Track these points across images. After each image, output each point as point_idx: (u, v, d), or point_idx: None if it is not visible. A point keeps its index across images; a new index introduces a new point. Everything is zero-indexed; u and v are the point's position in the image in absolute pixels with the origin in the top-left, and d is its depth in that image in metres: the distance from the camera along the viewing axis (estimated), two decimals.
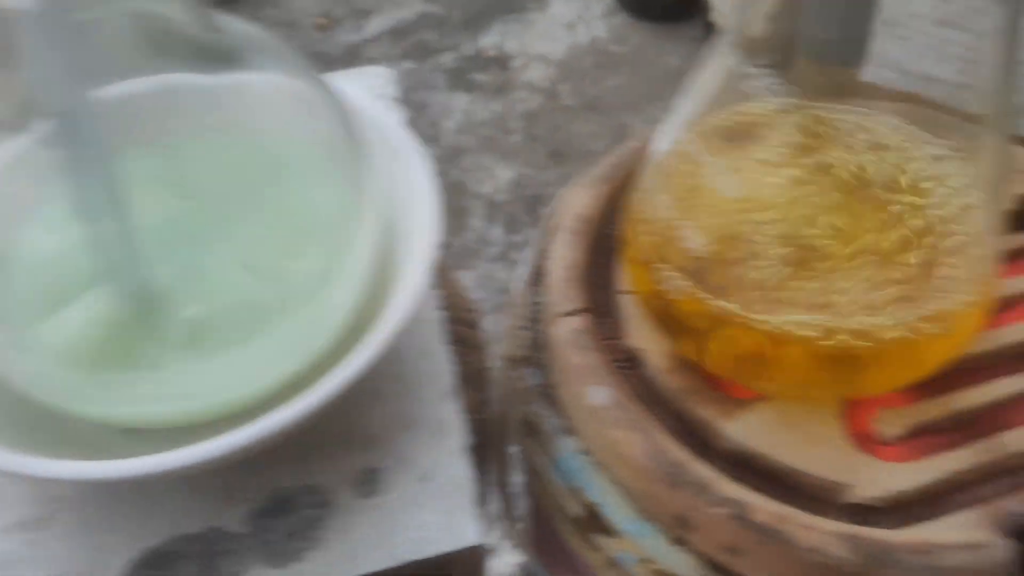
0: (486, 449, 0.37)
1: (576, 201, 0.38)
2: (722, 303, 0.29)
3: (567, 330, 0.34)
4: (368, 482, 0.30)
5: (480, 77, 1.26)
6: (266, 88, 0.28)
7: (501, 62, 1.29)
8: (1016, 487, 0.29)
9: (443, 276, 0.42)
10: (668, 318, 0.31)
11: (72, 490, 0.31)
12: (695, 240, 0.29)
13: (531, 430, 0.36)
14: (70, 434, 0.31)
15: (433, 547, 0.29)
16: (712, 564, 0.30)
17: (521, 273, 0.43)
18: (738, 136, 0.31)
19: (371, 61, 1.31)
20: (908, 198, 0.30)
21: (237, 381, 0.29)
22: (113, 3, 0.24)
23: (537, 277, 0.40)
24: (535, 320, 0.38)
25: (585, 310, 0.35)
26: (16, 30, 0.24)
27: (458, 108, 1.21)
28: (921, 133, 0.31)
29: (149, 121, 0.27)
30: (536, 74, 1.27)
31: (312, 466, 0.31)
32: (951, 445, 0.30)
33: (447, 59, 1.30)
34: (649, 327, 0.33)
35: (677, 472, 0.29)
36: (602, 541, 0.33)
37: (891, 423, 0.30)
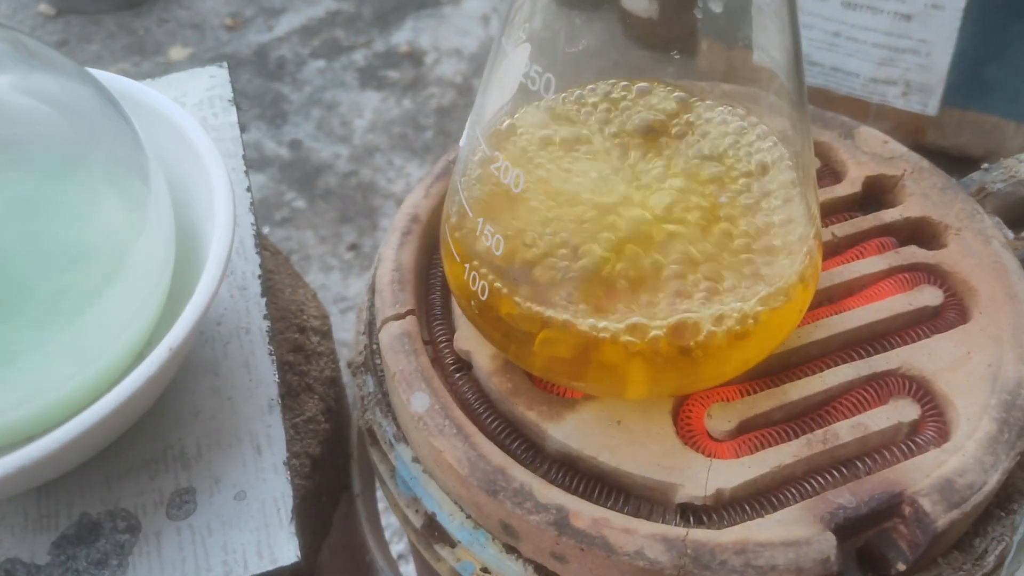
0: (336, 460, 0.36)
1: (409, 201, 0.37)
2: (533, 305, 0.28)
3: (392, 334, 0.33)
4: (180, 504, 0.29)
5: (392, 74, 1.24)
6: (11, 93, 0.26)
7: (414, 58, 1.27)
8: (843, 479, 0.28)
9: (292, 283, 0.40)
10: (487, 321, 0.30)
11: None
12: (502, 241, 0.28)
13: (373, 439, 0.35)
14: None
15: (244, 569, 0.27)
16: (543, 571, 0.29)
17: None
18: (542, 130, 0.30)
19: (281, 60, 1.28)
20: (726, 186, 0.29)
21: (16, 398, 0.27)
22: None
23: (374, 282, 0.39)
24: (372, 325, 0.37)
25: (412, 312, 0.33)
26: None
27: (369, 106, 1.19)
28: (745, 117, 0.31)
29: None
30: (449, 69, 1.25)
31: (123, 490, 0.29)
32: (780, 439, 0.29)
33: (358, 57, 1.28)
34: (474, 329, 0.32)
35: (497, 479, 0.28)
36: (444, 551, 0.32)
37: (722, 418, 0.29)
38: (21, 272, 0.26)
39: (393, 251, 0.35)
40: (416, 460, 0.32)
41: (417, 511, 0.33)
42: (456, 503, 0.30)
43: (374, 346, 0.35)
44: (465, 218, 0.29)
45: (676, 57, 0.29)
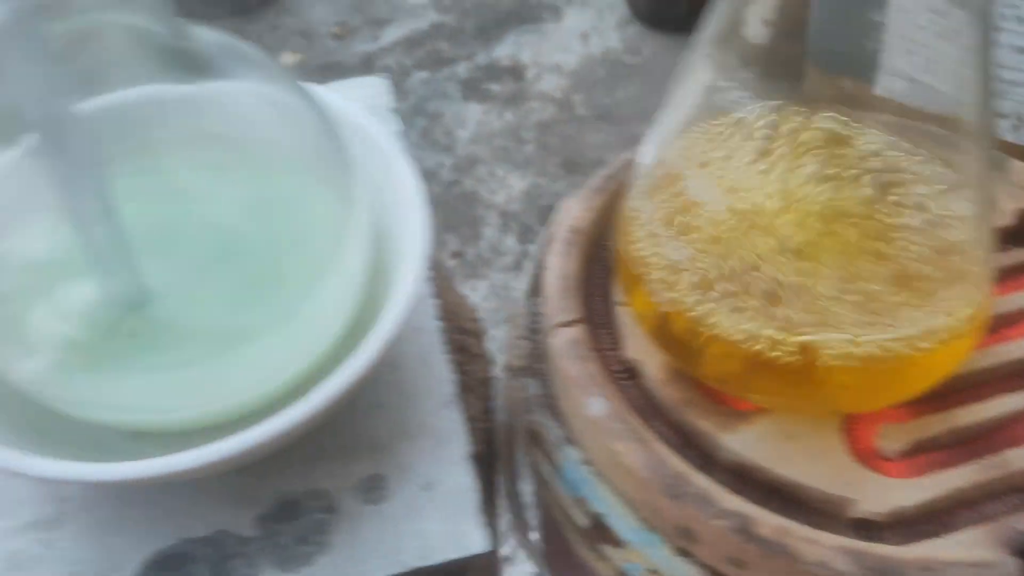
0: (493, 458, 0.37)
1: (570, 212, 0.39)
2: (711, 319, 0.29)
3: (563, 340, 0.34)
4: (373, 489, 0.31)
5: (494, 87, 1.26)
6: (246, 96, 0.28)
7: (515, 72, 1.30)
8: (1021, 505, 0.29)
9: (445, 286, 0.42)
10: (661, 331, 0.31)
11: (82, 491, 0.31)
12: (682, 254, 0.29)
13: (535, 440, 0.36)
14: (78, 435, 0.31)
15: (439, 555, 0.29)
16: (716, 575, 0.30)
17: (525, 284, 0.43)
18: (722, 147, 0.32)
19: (386, 70, 1.32)
20: (899, 212, 0.30)
21: (232, 389, 0.29)
22: (83, 15, 0.24)
23: (535, 288, 0.40)
24: (534, 330, 0.38)
25: (580, 320, 0.35)
26: None
27: (472, 118, 1.22)
28: (913, 147, 0.32)
29: (133, 131, 0.27)
30: (549, 84, 1.27)
31: (318, 472, 0.31)
32: (954, 462, 0.30)
33: (461, 69, 1.30)
34: (644, 339, 0.33)
35: (678, 484, 0.29)
36: (609, 551, 0.33)
37: (893, 439, 0.30)
38: (255, 262, 0.28)
39: (559, 260, 0.36)
40: (586, 462, 0.33)
41: (583, 512, 0.34)
42: (629, 505, 0.32)
43: (539, 350, 0.37)
44: (647, 232, 0.31)
45: (859, 85, 0.30)
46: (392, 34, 1.38)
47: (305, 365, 0.29)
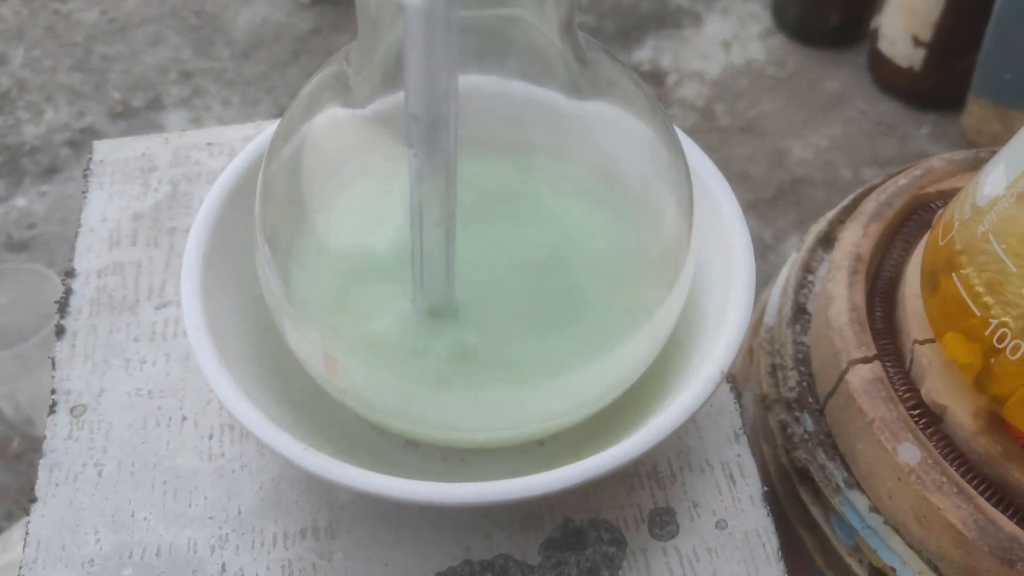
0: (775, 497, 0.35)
1: (848, 239, 0.36)
2: None
3: (862, 378, 0.32)
4: (662, 524, 0.29)
5: None
6: (620, 122, 0.27)
7: (656, 77, 1.27)
8: None
9: None
10: (993, 375, 0.29)
11: (354, 500, 0.30)
12: None
13: (803, 479, 0.34)
14: (351, 439, 0.30)
15: None
16: None
17: (768, 309, 0.41)
18: None
19: None
20: None
21: (539, 412, 0.27)
22: (497, 7, 0.22)
23: (797, 314, 0.38)
24: (802, 361, 0.36)
25: (878, 357, 0.32)
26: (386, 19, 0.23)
27: None
28: None
29: (499, 128, 0.26)
30: (691, 91, 1.24)
31: (600, 501, 0.29)
32: None
33: None
34: (952, 381, 0.31)
35: (1013, 548, 0.27)
36: None
37: None
38: (603, 285, 0.26)
39: (845, 290, 0.34)
40: (874, 510, 0.31)
41: (860, 561, 0.32)
42: (931, 562, 0.29)
43: (813, 384, 0.35)
44: (993, 267, 0.28)
45: None
46: None
47: (613, 396, 0.28)
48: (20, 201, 1.09)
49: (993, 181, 0.29)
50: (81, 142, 1.16)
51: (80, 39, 1.30)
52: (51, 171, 1.12)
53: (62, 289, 0.36)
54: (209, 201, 0.30)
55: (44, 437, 0.32)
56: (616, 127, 0.27)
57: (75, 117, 1.19)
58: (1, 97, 1.21)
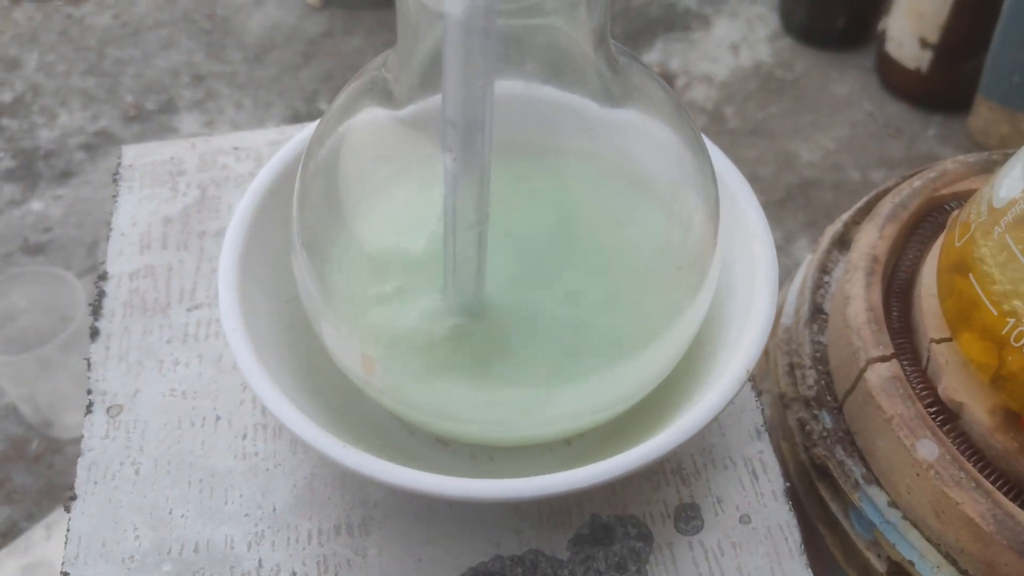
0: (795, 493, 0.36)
1: (864, 240, 0.37)
2: None
3: (880, 376, 0.32)
4: (687, 519, 0.30)
5: None
6: (650, 128, 0.27)
7: (665, 80, 1.28)
8: None
9: None
10: (1010, 373, 0.29)
11: (386, 498, 0.31)
12: None
13: (822, 475, 0.35)
14: (387, 440, 0.31)
15: None
16: None
17: (786, 310, 0.42)
18: None
19: None
20: None
21: (570, 411, 0.28)
22: (533, 16, 0.23)
23: (814, 314, 0.39)
24: (820, 360, 0.37)
25: (895, 356, 0.33)
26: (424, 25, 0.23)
27: None
28: None
29: (532, 133, 0.26)
30: (700, 94, 1.25)
31: (627, 497, 0.30)
32: None
33: None
34: (969, 379, 0.32)
35: None
36: None
37: None
38: (632, 286, 0.27)
39: (862, 290, 0.35)
40: (892, 504, 0.32)
41: (879, 555, 0.32)
42: (949, 556, 0.30)
43: (832, 383, 0.35)
44: (1011, 268, 0.29)
45: None
46: None
47: (640, 395, 0.29)
48: (36, 205, 1.10)
49: (1010, 183, 0.30)
50: (95, 145, 1.17)
51: (93, 43, 1.31)
52: (66, 175, 1.13)
53: (81, 292, 0.36)
54: (243, 205, 0.31)
55: (65, 439, 0.32)
56: (646, 133, 0.27)
57: (89, 121, 1.20)
58: (16, 101, 1.22)
